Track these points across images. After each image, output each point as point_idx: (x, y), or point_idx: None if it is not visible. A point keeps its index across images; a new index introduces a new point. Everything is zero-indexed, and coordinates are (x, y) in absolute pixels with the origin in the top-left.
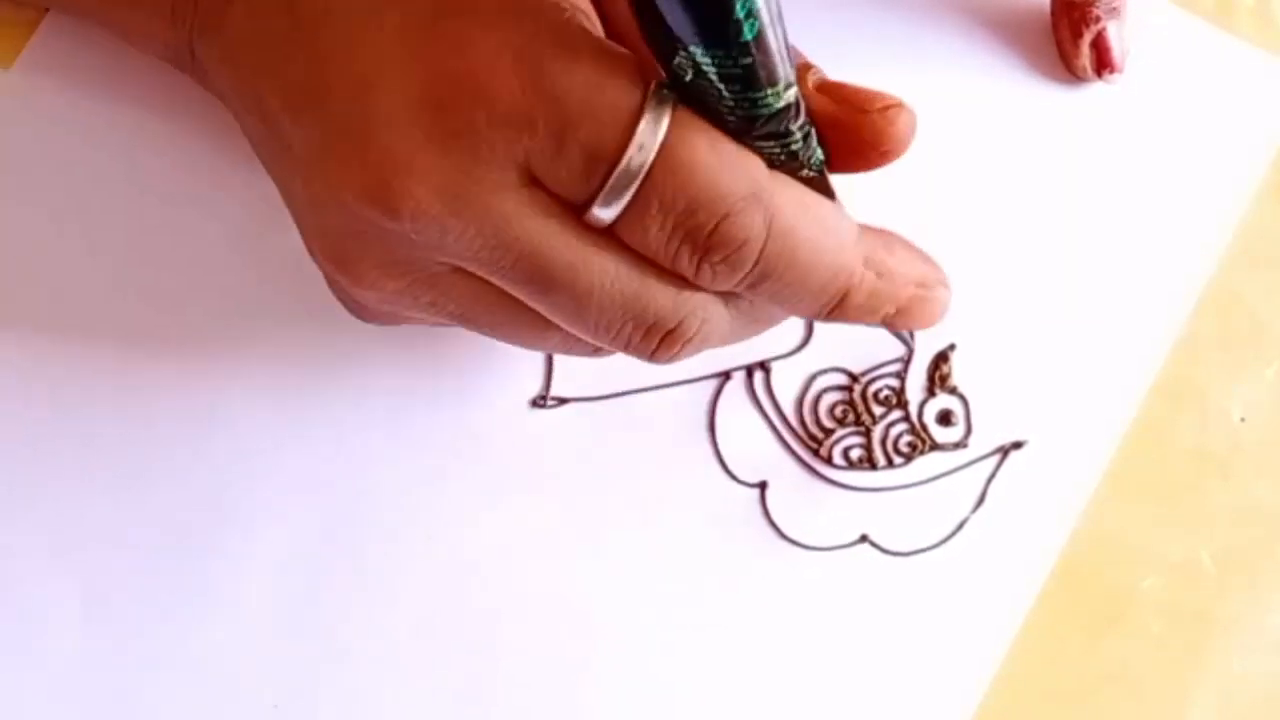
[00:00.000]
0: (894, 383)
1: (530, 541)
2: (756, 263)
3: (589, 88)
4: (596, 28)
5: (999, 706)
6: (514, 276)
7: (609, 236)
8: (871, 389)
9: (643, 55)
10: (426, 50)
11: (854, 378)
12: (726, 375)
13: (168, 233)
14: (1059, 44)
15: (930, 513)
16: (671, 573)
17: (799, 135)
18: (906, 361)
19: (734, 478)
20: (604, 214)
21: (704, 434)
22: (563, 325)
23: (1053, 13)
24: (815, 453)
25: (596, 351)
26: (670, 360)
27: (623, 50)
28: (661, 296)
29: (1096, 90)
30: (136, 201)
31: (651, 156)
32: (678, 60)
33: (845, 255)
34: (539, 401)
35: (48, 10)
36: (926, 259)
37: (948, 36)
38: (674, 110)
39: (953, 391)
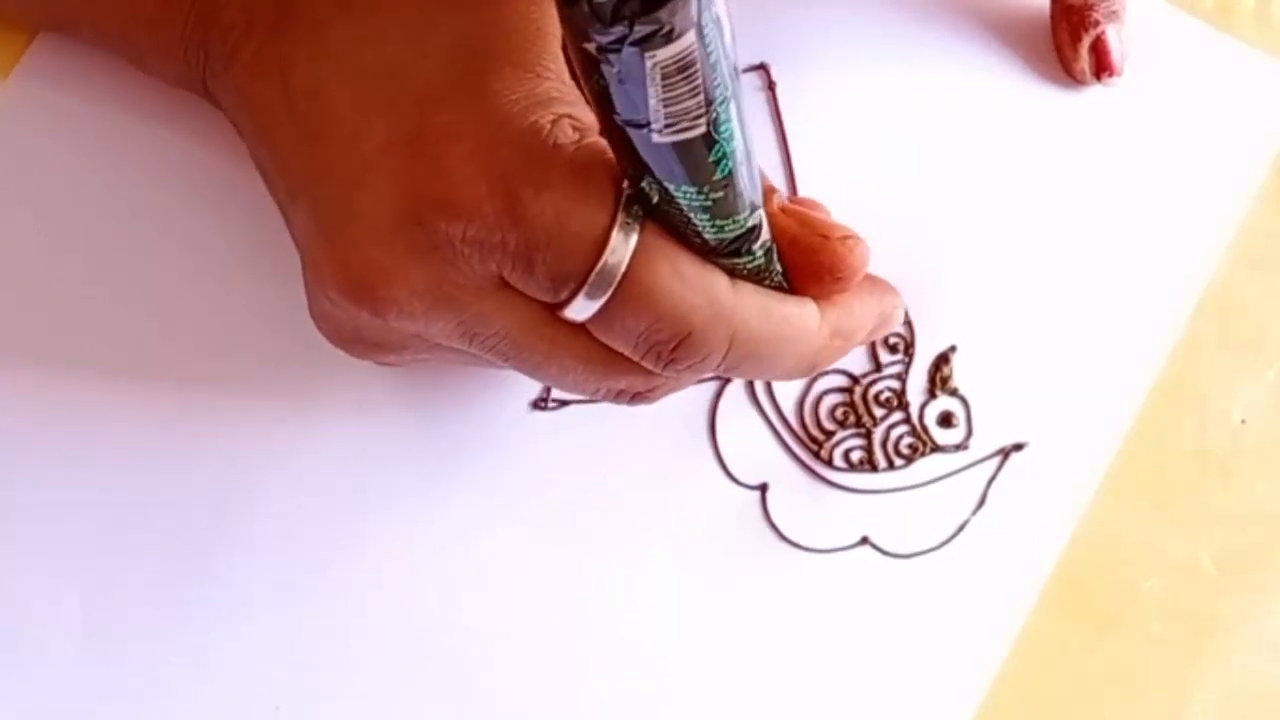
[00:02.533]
0: (895, 384)
1: (531, 543)
2: (722, 364)
3: (557, 214)
4: (586, 120)
5: (999, 708)
6: (495, 356)
7: (583, 329)
8: (872, 391)
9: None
10: (409, 169)
11: (855, 379)
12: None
13: (165, 242)
14: (1058, 47)
15: (931, 515)
16: (672, 574)
17: (760, 254)
18: (907, 363)
19: (734, 480)
20: (575, 317)
21: (705, 436)
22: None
23: (1052, 16)
24: (816, 455)
25: None
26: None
27: (600, 163)
28: (631, 374)
29: (1096, 93)
30: (133, 212)
31: (617, 278)
32: (645, 183)
33: (810, 344)
34: (540, 403)
35: None
36: (882, 293)
37: (948, 40)
38: (640, 232)
39: (953, 393)
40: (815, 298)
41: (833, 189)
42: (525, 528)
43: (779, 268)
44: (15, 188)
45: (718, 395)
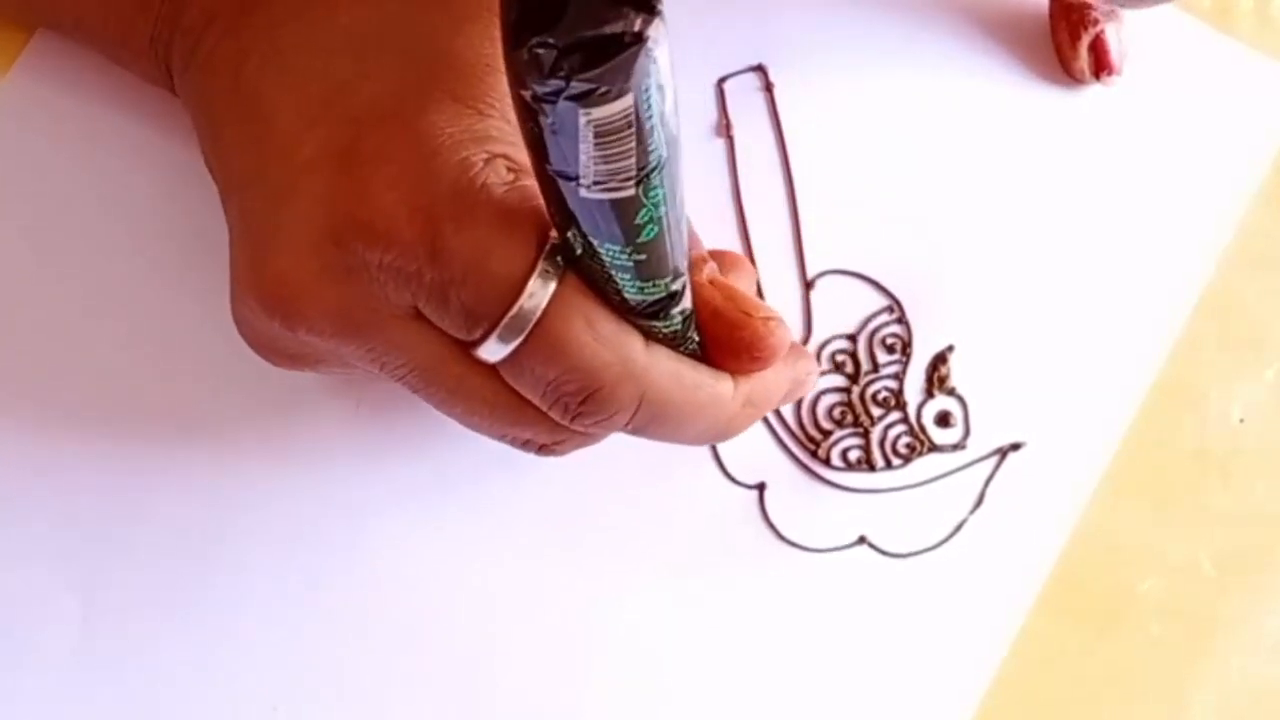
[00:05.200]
0: (892, 384)
1: (529, 542)
2: (629, 424)
3: (477, 253)
4: (522, 162)
5: (998, 708)
6: (404, 385)
7: (493, 373)
8: (870, 390)
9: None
10: (334, 189)
11: (852, 379)
12: None
13: (164, 242)
14: (1057, 47)
15: (929, 514)
16: (670, 574)
17: (678, 320)
18: (905, 363)
19: (732, 479)
20: (486, 357)
21: None
22: None
23: (1051, 15)
24: (814, 454)
25: None
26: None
27: (528, 207)
28: (538, 423)
29: (1095, 93)
30: (131, 211)
31: (531, 323)
32: (571, 234)
33: (722, 412)
34: None
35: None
36: (796, 358)
37: (946, 39)
38: (560, 282)
39: (951, 393)
40: (732, 372)
41: (831, 189)
42: (523, 527)
43: (696, 337)
44: (13, 186)
45: None
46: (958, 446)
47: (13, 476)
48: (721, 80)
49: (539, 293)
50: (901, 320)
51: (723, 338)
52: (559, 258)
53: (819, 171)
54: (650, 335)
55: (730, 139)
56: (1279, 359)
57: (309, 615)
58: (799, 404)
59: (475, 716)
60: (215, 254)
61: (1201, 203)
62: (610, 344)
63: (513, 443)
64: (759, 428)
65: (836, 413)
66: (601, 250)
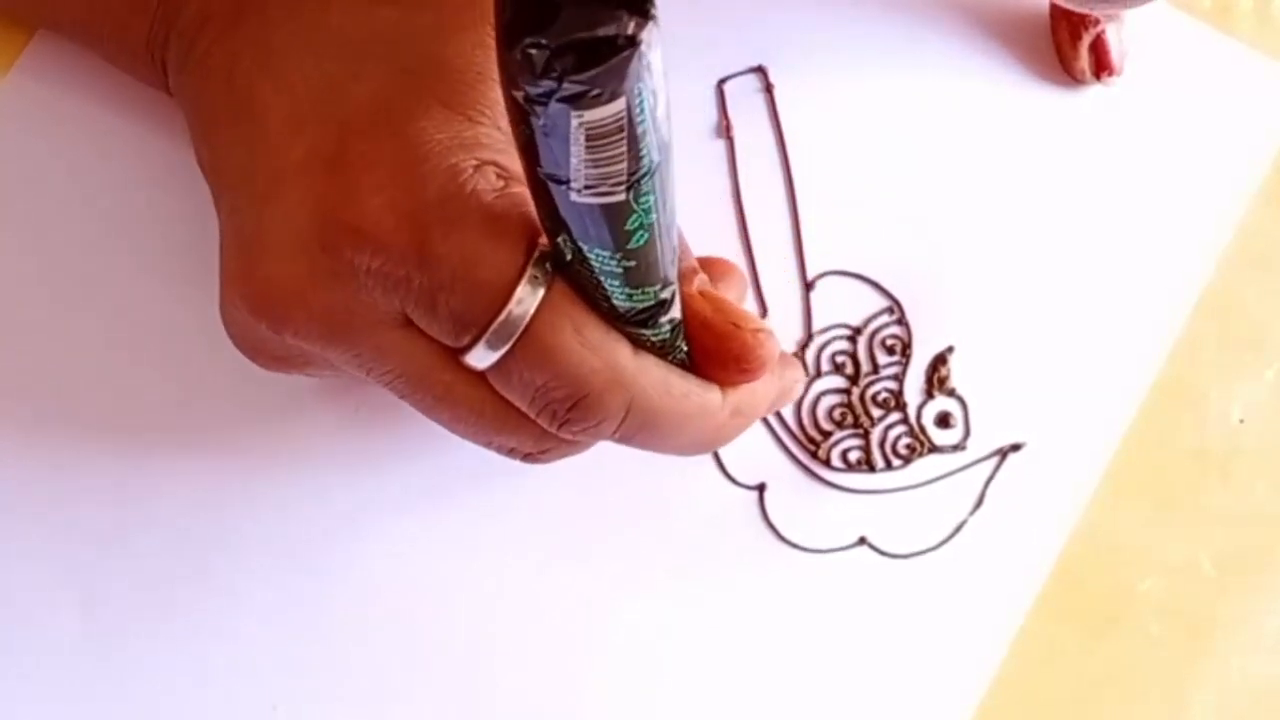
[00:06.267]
0: (892, 385)
1: (528, 541)
2: (617, 432)
3: (465, 259)
4: (513, 170)
5: (998, 708)
6: (391, 391)
7: (480, 380)
8: (870, 391)
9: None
10: (322, 193)
11: (852, 380)
12: None
13: (162, 241)
14: (1058, 47)
15: (929, 515)
16: (670, 574)
17: (666, 329)
18: (905, 364)
19: (732, 480)
20: (474, 364)
21: None
22: None
23: (1051, 16)
24: (814, 455)
25: None
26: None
27: (517, 214)
28: (524, 431)
29: (1095, 93)
30: (130, 212)
31: (519, 330)
32: (561, 239)
33: (709, 422)
34: None
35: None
36: (785, 366)
37: (946, 39)
38: (549, 288)
39: (951, 394)
40: (720, 384)
41: (831, 190)
42: (523, 528)
43: (684, 347)
44: (12, 187)
45: None
46: (958, 447)
47: (12, 477)
48: (722, 81)
49: (527, 299)
50: (901, 321)
51: (711, 349)
52: (548, 264)
53: (819, 172)
54: (639, 344)
55: (730, 140)
56: (1279, 359)
57: (308, 615)
58: (799, 405)
59: (475, 716)
60: (214, 256)
61: (1201, 203)
62: (598, 351)
63: (499, 450)
64: (759, 428)
65: (836, 414)
66: (591, 256)
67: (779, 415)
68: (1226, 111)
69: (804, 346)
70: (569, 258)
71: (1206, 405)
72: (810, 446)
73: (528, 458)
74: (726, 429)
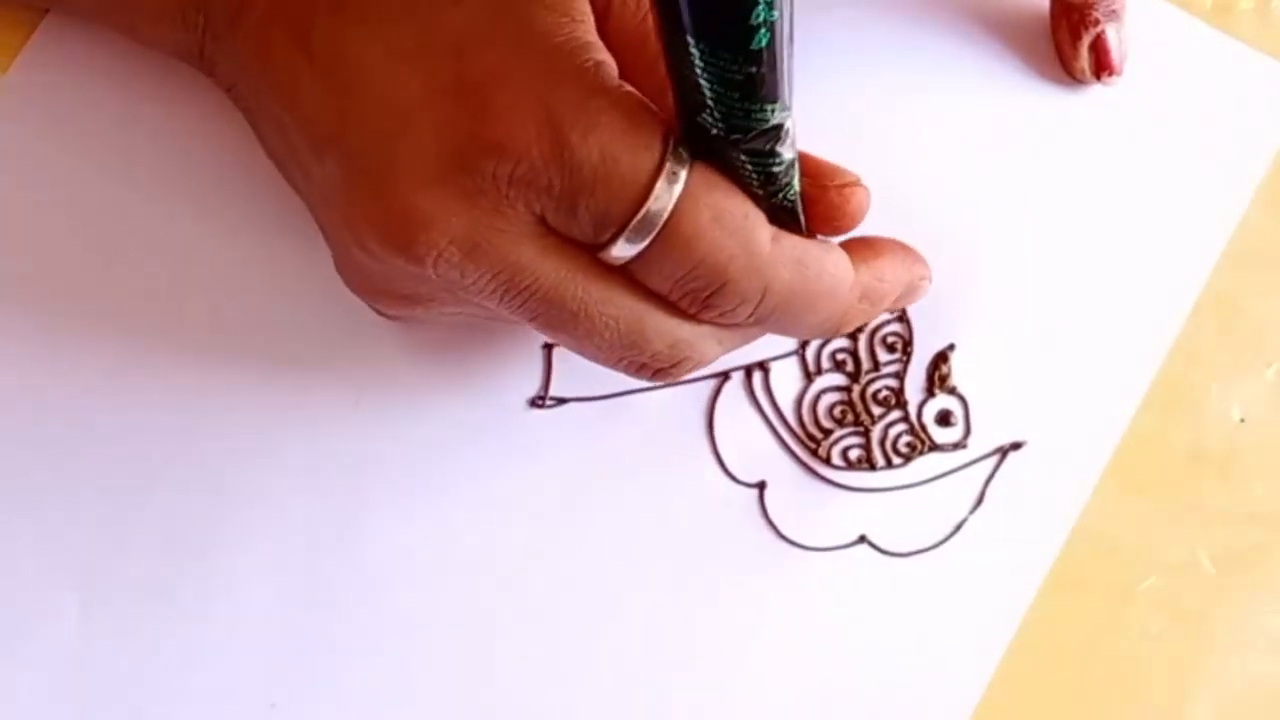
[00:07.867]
0: (893, 383)
1: (528, 540)
2: (752, 316)
3: (604, 157)
4: (613, 73)
5: (997, 707)
6: (525, 313)
7: (620, 272)
8: (870, 389)
9: (662, 106)
10: (453, 115)
11: (853, 378)
12: (725, 375)
13: (165, 235)
14: (1058, 46)
15: (929, 513)
16: (669, 572)
17: (786, 159)
18: (905, 362)
19: (732, 478)
20: (615, 257)
21: (703, 434)
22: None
23: (1051, 15)
24: (814, 453)
25: None
26: (667, 381)
27: (646, 109)
28: (658, 341)
29: (1095, 93)
30: (134, 205)
31: (659, 224)
32: (700, 117)
33: (840, 301)
34: (537, 402)
35: (46, 12)
36: (912, 262)
37: (946, 39)
38: (686, 179)
39: (952, 392)
40: (812, 235)
41: None
42: (522, 525)
43: (795, 187)
44: (16, 180)
45: (716, 393)
46: (958, 445)
47: (11, 475)
48: None
49: (665, 193)
50: (902, 319)
51: (807, 214)
52: (683, 152)
53: None
54: (770, 206)
55: None
56: (1279, 358)
57: (307, 613)
58: (799, 402)
59: (474, 715)
60: (216, 254)
61: (1201, 203)
62: (735, 235)
63: (628, 367)
64: (759, 426)
65: (837, 411)
66: (712, 62)
67: (779, 413)
68: (1226, 111)
69: (804, 344)
70: (700, 117)
71: (1206, 404)
72: (810, 444)
73: (657, 374)
74: (853, 313)
